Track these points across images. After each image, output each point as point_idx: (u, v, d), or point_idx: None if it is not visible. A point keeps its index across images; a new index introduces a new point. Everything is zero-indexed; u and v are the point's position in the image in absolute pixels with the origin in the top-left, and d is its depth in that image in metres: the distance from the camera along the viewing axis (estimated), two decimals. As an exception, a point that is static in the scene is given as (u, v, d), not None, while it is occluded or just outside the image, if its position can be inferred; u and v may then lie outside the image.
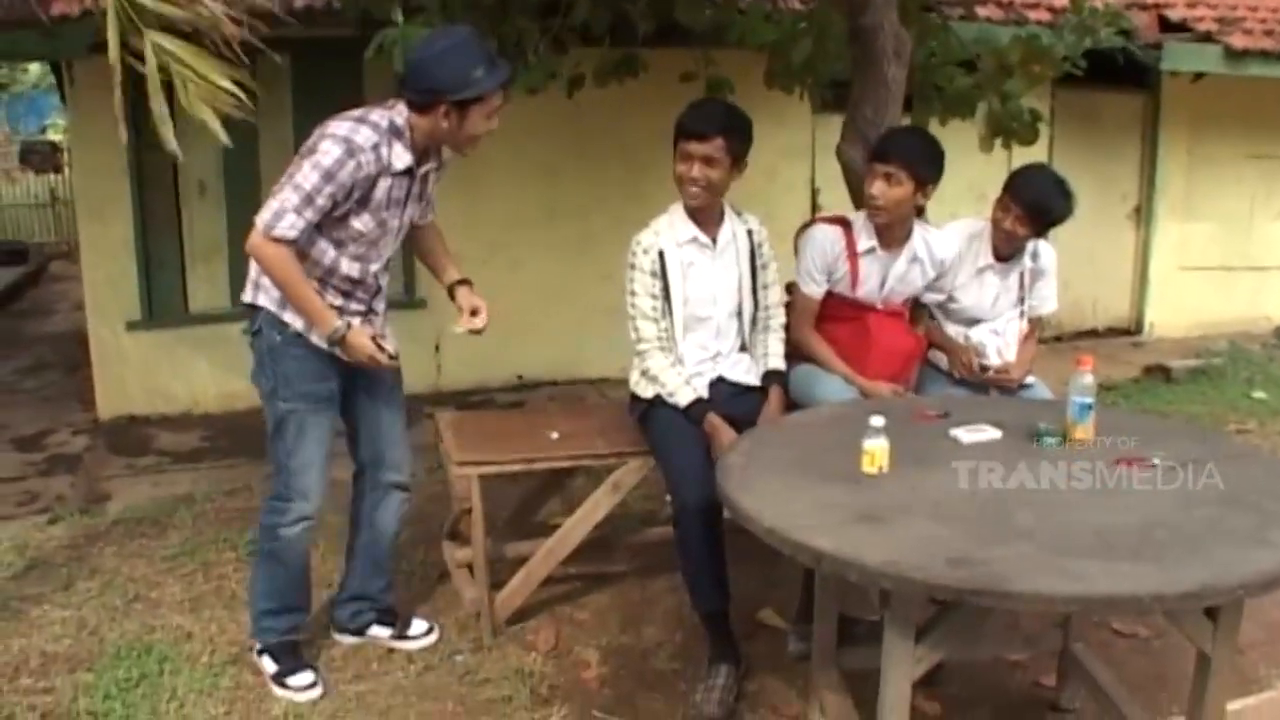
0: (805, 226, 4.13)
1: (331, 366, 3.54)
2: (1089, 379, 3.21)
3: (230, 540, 4.95)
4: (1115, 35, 7.77)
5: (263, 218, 3.27)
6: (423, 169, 3.51)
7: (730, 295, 3.88)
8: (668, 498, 3.79)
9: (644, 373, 3.83)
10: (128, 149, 7.00)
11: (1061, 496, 2.85)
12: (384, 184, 3.39)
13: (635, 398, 3.91)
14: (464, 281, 3.75)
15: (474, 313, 3.65)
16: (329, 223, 3.36)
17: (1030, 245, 4.29)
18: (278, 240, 3.26)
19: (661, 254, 3.75)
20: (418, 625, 4.05)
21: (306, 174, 3.25)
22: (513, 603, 4.08)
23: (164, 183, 7.37)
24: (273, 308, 3.46)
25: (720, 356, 3.90)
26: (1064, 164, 8.51)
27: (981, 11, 8.14)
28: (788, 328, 4.03)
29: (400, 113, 3.39)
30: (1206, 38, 8.93)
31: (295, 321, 3.46)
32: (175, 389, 7.47)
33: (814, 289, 4.03)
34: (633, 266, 3.79)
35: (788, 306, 4.08)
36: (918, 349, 4.19)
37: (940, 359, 4.34)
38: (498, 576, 4.07)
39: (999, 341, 4.28)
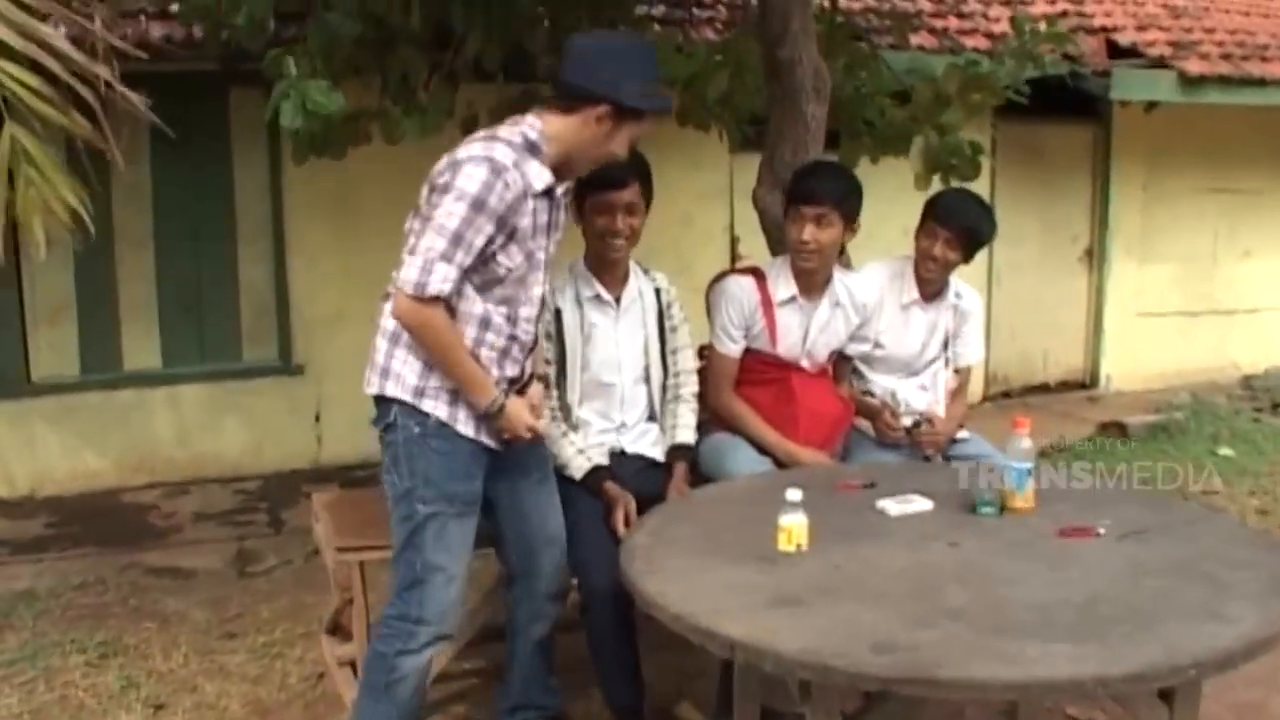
0: (716, 280, 4.18)
1: (477, 462, 3.33)
2: (1027, 443, 3.28)
3: (78, 642, 4.84)
4: (1060, 61, 8.00)
5: (408, 278, 3.06)
6: (560, 187, 3.28)
7: (636, 360, 3.91)
8: (574, 581, 3.78)
9: None
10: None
11: (998, 572, 2.89)
12: (528, 206, 3.17)
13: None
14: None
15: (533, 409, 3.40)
16: (474, 265, 3.14)
17: (953, 284, 4.40)
18: (433, 300, 3.07)
19: (559, 313, 3.77)
20: None
21: (450, 209, 3.03)
22: (401, 704, 4.03)
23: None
24: (408, 398, 3.24)
25: (625, 428, 3.92)
26: (1008, 203, 8.69)
27: (914, 40, 8.30)
28: (704, 394, 4.06)
29: (532, 125, 3.18)
30: (1159, 63, 9.10)
31: (437, 409, 3.24)
32: (15, 470, 7.29)
33: (731, 347, 4.06)
34: None
35: (702, 371, 4.11)
36: (846, 414, 4.22)
37: (867, 426, 4.36)
38: (383, 675, 4.04)
39: (928, 397, 4.35)
